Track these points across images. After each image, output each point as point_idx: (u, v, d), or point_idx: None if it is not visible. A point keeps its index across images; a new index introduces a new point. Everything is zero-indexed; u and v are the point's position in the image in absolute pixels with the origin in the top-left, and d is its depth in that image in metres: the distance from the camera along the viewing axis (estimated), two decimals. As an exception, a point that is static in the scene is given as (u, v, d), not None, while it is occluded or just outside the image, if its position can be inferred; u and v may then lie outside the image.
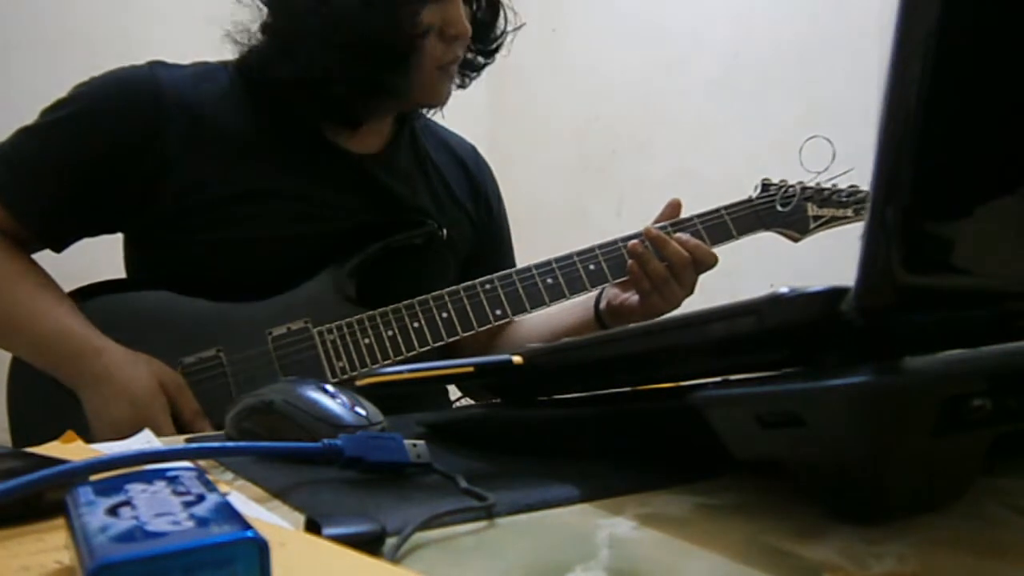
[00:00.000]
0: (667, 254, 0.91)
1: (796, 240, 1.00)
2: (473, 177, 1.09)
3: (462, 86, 1.02)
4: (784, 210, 0.97)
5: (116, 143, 0.86)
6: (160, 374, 0.83)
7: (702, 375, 0.41)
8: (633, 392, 0.47)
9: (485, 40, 0.99)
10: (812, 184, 0.99)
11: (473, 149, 1.13)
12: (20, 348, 0.88)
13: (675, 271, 0.91)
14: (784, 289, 0.33)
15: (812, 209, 0.98)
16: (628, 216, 2.20)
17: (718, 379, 0.39)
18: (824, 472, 0.33)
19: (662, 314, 0.93)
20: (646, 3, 2.22)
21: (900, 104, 0.27)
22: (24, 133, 0.88)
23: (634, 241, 0.93)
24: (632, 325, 0.42)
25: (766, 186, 1.00)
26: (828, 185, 0.99)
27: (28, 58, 1.83)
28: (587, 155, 2.32)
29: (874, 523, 0.32)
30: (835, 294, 0.30)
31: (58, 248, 0.92)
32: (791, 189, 0.98)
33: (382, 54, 0.86)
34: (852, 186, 0.99)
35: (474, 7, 0.95)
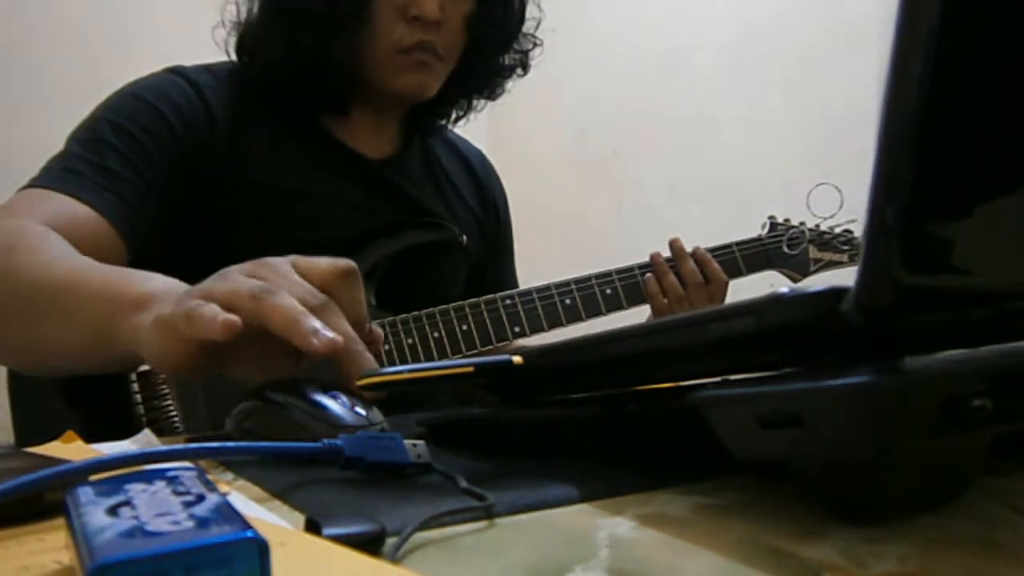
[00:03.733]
0: (682, 270, 0.96)
1: (796, 281, 1.05)
2: (481, 183, 1.08)
3: (491, 97, 1.00)
4: (790, 252, 1.03)
5: (177, 147, 0.85)
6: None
7: (702, 375, 0.41)
8: (633, 392, 0.47)
9: (489, 36, 0.93)
10: (812, 227, 1.05)
11: (481, 155, 1.12)
12: (58, 316, 0.72)
13: (687, 289, 0.96)
14: (784, 289, 0.33)
15: (813, 251, 1.04)
16: (628, 216, 2.20)
17: (718, 379, 0.39)
18: (824, 472, 0.33)
19: None
20: (647, 3, 2.22)
21: (900, 104, 0.27)
22: (90, 143, 0.82)
23: (655, 251, 0.98)
24: (632, 325, 0.42)
25: (773, 225, 1.05)
26: (826, 229, 1.05)
27: (28, 58, 1.83)
28: (587, 155, 2.32)
29: (874, 523, 0.32)
30: (835, 294, 0.31)
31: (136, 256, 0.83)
32: (797, 231, 1.04)
33: (315, 22, 0.83)
34: (846, 231, 1.05)
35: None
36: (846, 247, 1.04)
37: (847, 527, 0.32)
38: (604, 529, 0.33)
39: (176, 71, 0.89)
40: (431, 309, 0.90)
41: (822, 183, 0.95)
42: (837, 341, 0.33)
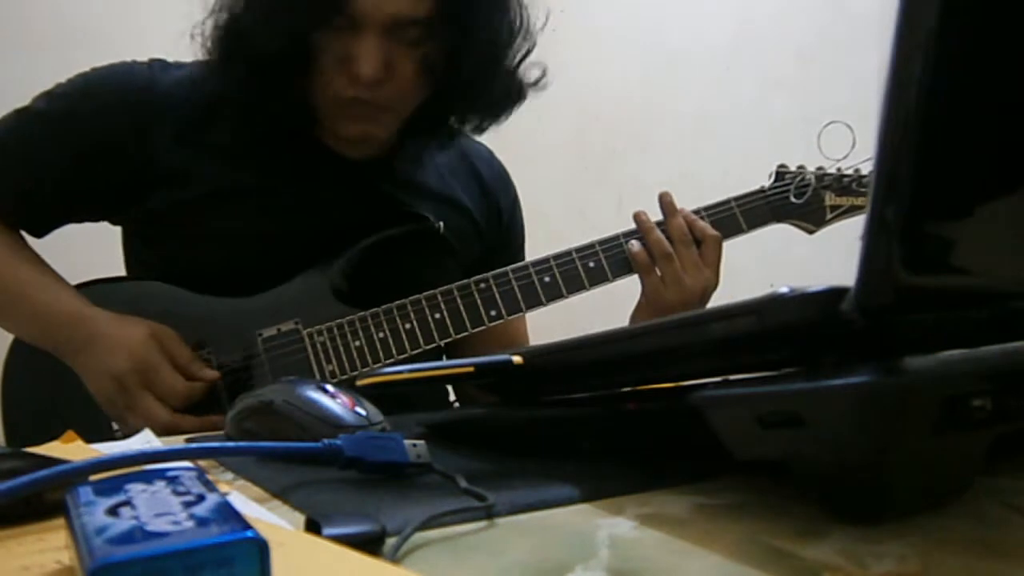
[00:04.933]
0: (670, 226, 0.91)
1: (811, 232, 0.96)
2: (486, 185, 1.05)
3: (479, 127, 0.94)
4: (799, 201, 0.94)
5: (99, 141, 0.87)
6: (150, 326, 0.84)
7: (702, 375, 0.41)
8: (633, 392, 0.47)
9: (449, 83, 0.87)
10: (832, 171, 0.95)
11: (489, 156, 1.09)
12: (13, 323, 0.90)
13: (675, 247, 0.90)
14: (784, 289, 0.33)
15: (830, 198, 0.95)
16: (628, 216, 2.19)
17: (718, 379, 0.39)
18: (824, 472, 0.33)
19: (667, 306, 0.91)
20: (647, 3, 2.21)
21: (900, 104, 0.27)
22: (16, 116, 0.89)
23: (639, 210, 0.93)
24: (632, 325, 0.42)
25: (781, 174, 0.96)
26: (849, 171, 0.94)
27: (28, 58, 1.83)
28: (587, 155, 2.32)
29: (874, 523, 0.32)
30: (835, 294, 0.30)
31: (36, 233, 0.93)
32: (806, 178, 0.94)
33: (260, 66, 0.82)
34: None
35: (430, 51, 0.83)
36: (867, 189, 0.92)
37: (847, 527, 0.32)
38: (604, 529, 0.33)
39: (143, 74, 0.90)
40: (402, 300, 0.88)
41: (833, 121, 0.87)
42: (837, 341, 0.33)
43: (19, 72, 1.77)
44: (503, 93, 0.91)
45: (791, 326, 0.33)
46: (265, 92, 0.84)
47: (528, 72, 0.93)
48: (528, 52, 0.92)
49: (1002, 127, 0.31)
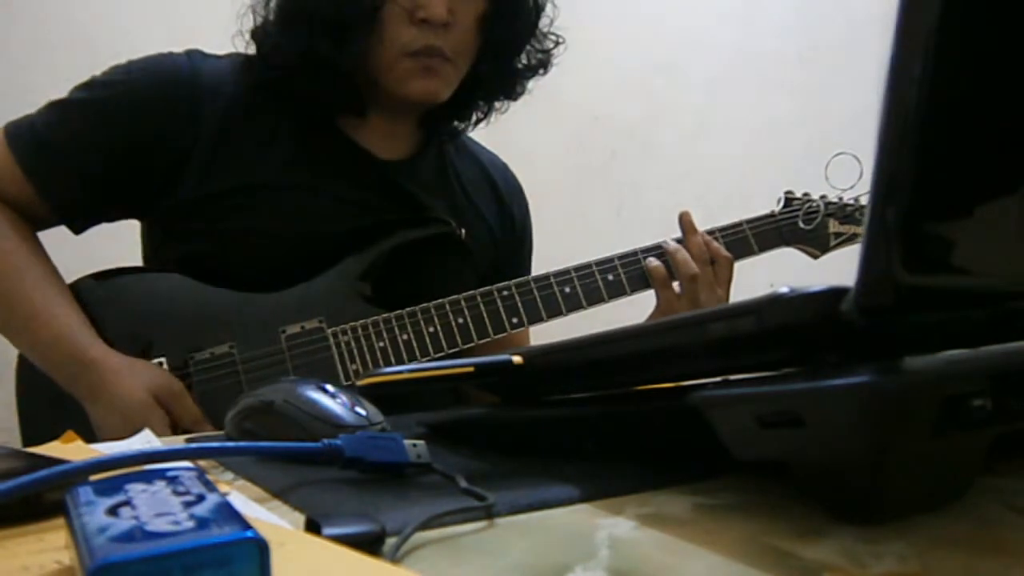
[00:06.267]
0: (689, 244, 0.94)
1: (816, 257, 1.00)
2: (502, 196, 1.08)
3: (511, 97, 0.99)
4: (808, 227, 0.98)
5: (146, 132, 0.87)
6: (153, 384, 0.82)
7: (702, 375, 0.41)
8: (633, 392, 0.47)
9: (501, 37, 0.92)
10: (835, 199, 0.99)
11: (504, 169, 1.11)
12: (22, 348, 0.88)
13: (698, 265, 0.93)
14: (784, 289, 0.33)
15: (834, 225, 0.99)
16: (628, 217, 2.19)
17: (718, 379, 0.39)
18: (824, 472, 0.33)
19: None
20: (647, 3, 2.22)
21: (900, 104, 0.27)
22: (56, 109, 0.88)
23: (666, 240, 0.96)
24: (632, 325, 0.42)
25: (789, 200, 1.00)
26: (848, 200, 0.99)
27: (28, 58, 1.83)
28: (587, 155, 2.32)
29: (874, 523, 0.32)
30: (835, 294, 0.31)
31: (77, 229, 0.92)
32: (814, 205, 0.98)
33: (327, 27, 0.83)
34: None
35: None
36: None
37: (847, 527, 0.32)
38: (604, 529, 0.33)
39: (185, 64, 0.90)
40: (426, 304, 0.89)
41: (840, 153, 0.89)
42: (837, 341, 0.33)
43: (25, 72, 1.78)
44: (532, 60, 0.97)
45: (791, 326, 0.33)
46: (330, 58, 0.85)
47: (546, 41, 0.98)
48: (551, 21, 0.97)
49: (1002, 127, 0.31)
